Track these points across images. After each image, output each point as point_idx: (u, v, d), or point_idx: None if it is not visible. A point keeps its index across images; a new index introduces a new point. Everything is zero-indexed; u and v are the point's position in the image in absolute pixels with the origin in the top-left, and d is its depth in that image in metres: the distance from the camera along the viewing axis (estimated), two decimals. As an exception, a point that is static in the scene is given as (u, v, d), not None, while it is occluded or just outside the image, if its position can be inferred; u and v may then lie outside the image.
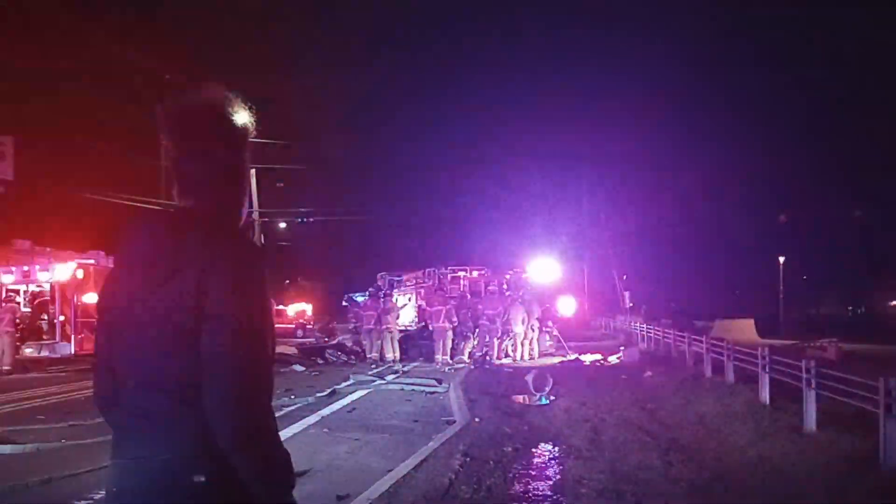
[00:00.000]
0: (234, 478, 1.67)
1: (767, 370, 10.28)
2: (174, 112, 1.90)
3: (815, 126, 61.72)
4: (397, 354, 19.63)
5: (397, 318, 20.95)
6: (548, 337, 22.32)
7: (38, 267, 19.36)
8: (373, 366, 18.22)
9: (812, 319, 43.93)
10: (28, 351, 18.21)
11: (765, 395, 10.26)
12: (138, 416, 1.72)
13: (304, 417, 10.01)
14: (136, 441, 1.73)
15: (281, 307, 26.86)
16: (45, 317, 19.73)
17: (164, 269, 1.73)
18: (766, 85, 79.01)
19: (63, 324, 18.84)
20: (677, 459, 7.61)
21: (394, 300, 22.36)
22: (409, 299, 23.93)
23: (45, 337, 19.25)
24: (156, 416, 1.70)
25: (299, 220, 35.35)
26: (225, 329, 1.66)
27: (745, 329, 29.93)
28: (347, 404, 11.68)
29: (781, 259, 46.27)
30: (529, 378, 13.04)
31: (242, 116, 1.93)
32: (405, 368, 17.77)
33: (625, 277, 49.57)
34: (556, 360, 20.17)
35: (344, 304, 26.25)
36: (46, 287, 19.84)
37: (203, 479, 1.65)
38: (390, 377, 15.39)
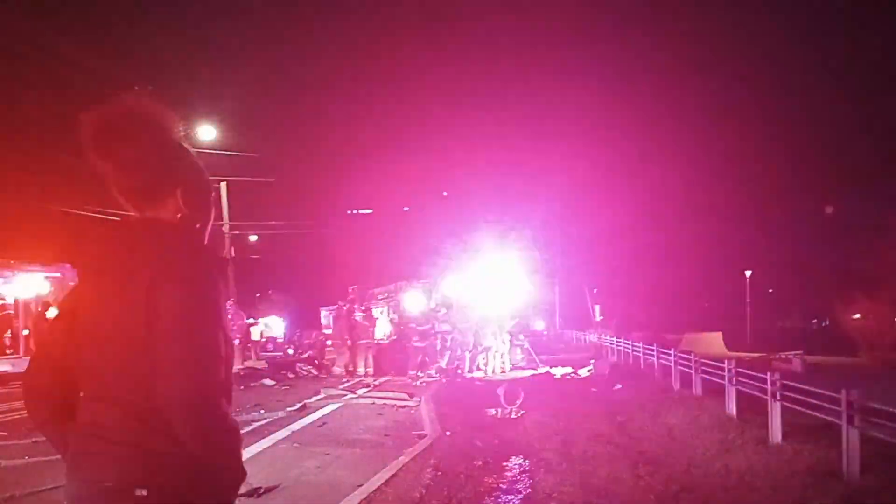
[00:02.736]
0: (176, 491, 1.72)
1: (734, 383, 10.45)
2: (96, 124, 1.82)
3: (781, 139, 62.91)
4: (370, 368, 19.52)
5: (373, 331, 20.83)
6: (519, 350, 22.40)
7: (1, 280, 19.00)
8: (344, 379, 18.10)
9: (778, 332, 44.66)
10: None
11: (731, 407, 10.42)
12: (89, 434, 1.74)
13: (274, 432, 9.92)
14: (87, 462, 1.75)
15: (251, 320, 26.40)
16: (10, 332, 19.35)
17: (118, 279, 1.73)
18: (736, 96, 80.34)
19: (27, 338, 18.47)
20: (646, 472, 7.69)
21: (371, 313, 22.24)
22: (382, 313, 23.87)
23: (9, 351, 18.87)
24: (107, 433, 1.72)
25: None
26: (178, 332, 1.68)
27: (712, 342, 30.32)
28: (318, 419, 11.59)
29: (748, 273, 47.04)
30: (501, 391, 13.09)
31: (169, 121, 1.88)
32: (376, 382, 17.68)
33: (595, 291, 49.93)
34: (528, 373, 20.22)
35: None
36: (10, 301, 19.49)
37: (145, 493, 1.68)
38: (361, 391, 15.30)
